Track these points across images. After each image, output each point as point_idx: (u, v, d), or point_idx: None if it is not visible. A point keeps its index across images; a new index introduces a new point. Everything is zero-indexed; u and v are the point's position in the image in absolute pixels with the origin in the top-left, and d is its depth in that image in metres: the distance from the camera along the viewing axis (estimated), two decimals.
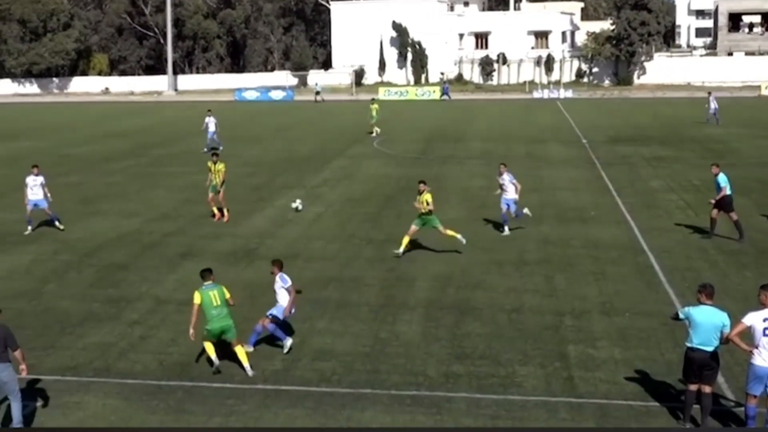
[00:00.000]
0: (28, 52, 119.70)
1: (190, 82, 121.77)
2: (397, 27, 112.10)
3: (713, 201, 24.31)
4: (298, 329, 17.12)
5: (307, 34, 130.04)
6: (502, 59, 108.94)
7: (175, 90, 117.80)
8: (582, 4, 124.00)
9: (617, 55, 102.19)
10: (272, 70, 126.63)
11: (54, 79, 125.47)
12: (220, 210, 27.81)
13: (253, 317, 17.94)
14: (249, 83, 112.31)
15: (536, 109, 74.26)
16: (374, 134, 53.14)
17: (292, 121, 67.75)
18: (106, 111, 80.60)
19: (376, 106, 54.86)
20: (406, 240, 22.85)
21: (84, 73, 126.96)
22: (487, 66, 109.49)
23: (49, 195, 26.70)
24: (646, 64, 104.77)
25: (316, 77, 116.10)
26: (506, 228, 25.16)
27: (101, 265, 22.48)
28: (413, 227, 22.90)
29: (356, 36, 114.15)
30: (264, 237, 25.46)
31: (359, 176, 37.23)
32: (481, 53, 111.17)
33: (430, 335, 16.81)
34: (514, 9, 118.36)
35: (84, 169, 41.38)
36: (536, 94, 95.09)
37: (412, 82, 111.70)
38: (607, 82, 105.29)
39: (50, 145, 52.13)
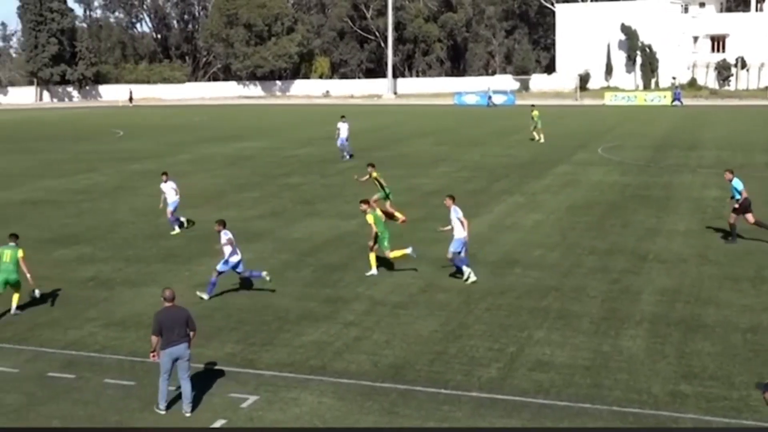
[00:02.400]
0: (253, 56, 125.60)
1: (409, 85, 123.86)
2: (626, 30, 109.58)
3: (736, 206, 24.90)
4: (516, 338, 17.02)
5: (530, 37, 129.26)
6: (741, 63, 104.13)
7: (395, 93, 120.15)
8: None
9: None
10: (493, 73, 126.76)
11: (277, 81, 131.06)
12: (391, 215, 27.60)
13: (468, 323, 17.98)
14: (469, 87, 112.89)
15: None
16: (537, 140, 53.15)
17: (513, 125, 67.56)
18: (327, 113, 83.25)
19: (536, 112, 54.70)
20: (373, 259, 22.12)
21: (306, 76, 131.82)
22: (724, 70, 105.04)
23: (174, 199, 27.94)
24: None
25: (538, 82, 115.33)
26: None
27: (319, 265, 23.20)
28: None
29: (582, 39, 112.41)
30: (482, 243, 25.45)
31: (583, 183, 36.59)
32: (717, 57, 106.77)
33: (656, 352, 16.25)
34: (757, 10, 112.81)
35: (304, 170, 42.90)
36: None
37: (641, 87, 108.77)
38: None
39: (272, 146, 54.43)
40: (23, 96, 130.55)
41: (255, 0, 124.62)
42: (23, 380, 15.42)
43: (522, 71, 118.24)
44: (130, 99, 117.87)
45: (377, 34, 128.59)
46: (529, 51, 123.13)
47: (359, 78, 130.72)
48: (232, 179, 40.03)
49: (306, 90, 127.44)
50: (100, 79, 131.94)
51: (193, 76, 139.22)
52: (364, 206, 22.31)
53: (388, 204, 29.14)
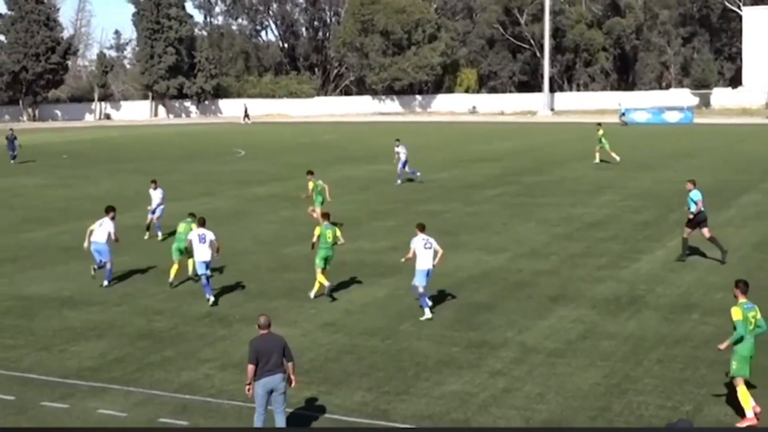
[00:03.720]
0: (391, 67, 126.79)
1: (568, 100, 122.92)
2: None
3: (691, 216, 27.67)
4: (693, 395, 16.57)
5: (712, 45, 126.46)
6: None
7: (552, 110, 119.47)
8: None
9: None
10: (668, 87, 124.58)
11: (417, 96, 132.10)
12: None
13: (636, 376, 17.62)
14: (639, 103, 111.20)
15: None
16: (597, 160, 55.26)
17: (690, 146, 66.20)
18: (473, 132, 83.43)
19: (602, 131, 55.69)
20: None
21: (450, 90, 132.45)
22: None
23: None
24: None
25: (721, 97, 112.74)
26: None
27: (462, 304, 23.18)
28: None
29: None
30: (653, 282, 24.97)
31: None
32: None
33: None
34: None
35: (446, 196, 43.00)
36: None
37: None
38: None
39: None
40: (137, 111, 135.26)
41: (393, 4, 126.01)
42: (132, 426, 15.87)
43: (702, 84, 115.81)
44: (246, 116, 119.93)
45: (532, 42, 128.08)
46: (711, 61, 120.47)
47: (510, 92, 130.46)
48: (365, 205, 40.50)
49: (450, 106, 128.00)
50: (220, 92, 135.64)
51: (323, 90, 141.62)
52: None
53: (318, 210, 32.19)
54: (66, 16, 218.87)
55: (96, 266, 25.74)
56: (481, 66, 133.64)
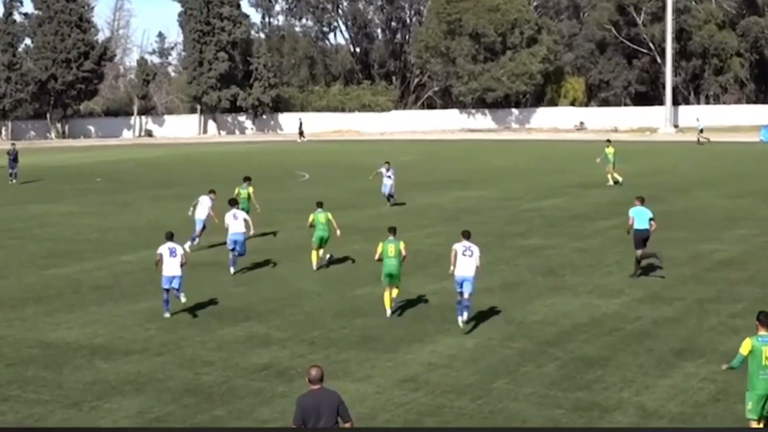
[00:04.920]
0: (482, 75, 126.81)
1: (695, 115, 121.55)
2: None
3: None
4: None
5: None
6: None
7: (675, 126, 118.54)
8: None
9: None
10: None
11: (513, 110, 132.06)
12: None
13: None
14: None
15: None
16: (611, 182, 58.36)
17: None
18: (580, 153, 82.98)
19: (611, 149, 59.40)
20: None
21: (552, 103, 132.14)
22: None
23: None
24: None
25: None
26: None
27: (568, 358, 22.98)
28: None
29: None
30: None
31: None
32: None
33: None
34: None
35: (548, 229, 42.77)
36: None
37: None
38: None
39: (505, 196, 54.64)
40: (184, 126, 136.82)
41: (485, 1, 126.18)
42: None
43: None
44: (300, 133, 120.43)
45: (651, 45, 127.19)
46: None
47: (625, 105, 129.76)
48: (451, 239, 40.21)
49: (552, 121, 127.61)
50: (280, 105, 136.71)
51: (401, 103, 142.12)
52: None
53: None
54: (101, 15, 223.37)
55: (167, 311, 27.54)
56: (590, 74, 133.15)
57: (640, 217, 32.05)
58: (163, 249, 27.58)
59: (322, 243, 33.88)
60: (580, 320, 26.60)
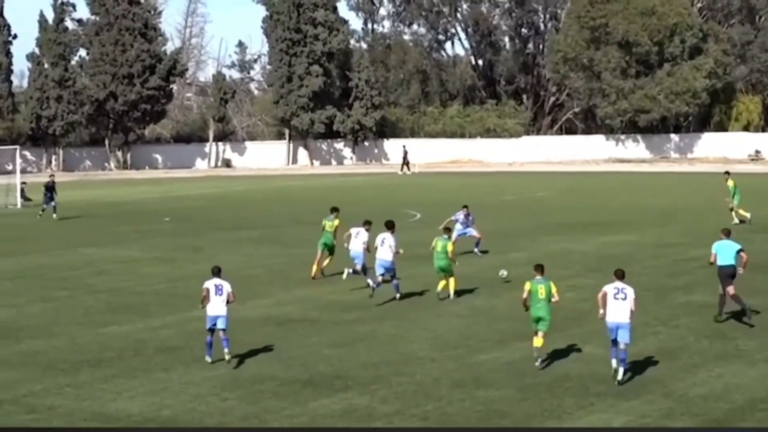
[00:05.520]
0: (633, 94, 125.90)
1: None
2: None
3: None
4: None
5: None
6: None
7: None
8: None
9: None
10: None
11: (672, 135, 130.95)
12: None
13: None
14: None
15: None
16: (736, 221, 59.31)
17: None
18: (756, 188, 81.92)
19: (732, 182, 61.44)
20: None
21: (721, 127, 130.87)
22: None
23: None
24: None
25: None
26: None
27: None
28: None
29: None
30: None
31: None
32: None
33: None
34: None
35: (714, 282, 42.08)
36: None
37: None
38: None
39: (661, 242, 54.29)
40: (269, 155, 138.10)
41: (638, 3, 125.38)
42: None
43: None
44: (405, 162, 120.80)
45: None
46: None
47: None
48: (596, 293, 39.98)
49: (720, 149, 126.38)
50: (385, 129, 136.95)
51: (534, 126, 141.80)
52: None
53: None
54: (170, 22, 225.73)
55: (209, 355, 29.57)
56: None
57: (724, 252, 34.49)
58: (209, 285, 29.53)
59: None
60: (756, 394, 26.24)
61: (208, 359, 29.40)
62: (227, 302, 29.40)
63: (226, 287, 29.46)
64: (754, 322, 33.37)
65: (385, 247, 38.26)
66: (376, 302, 38.64)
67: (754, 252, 50.08)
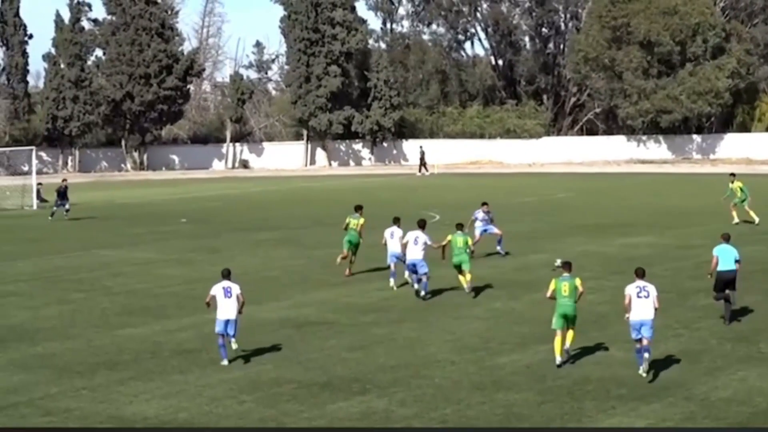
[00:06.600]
0: (655, 94, 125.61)
1: None
2: None
3: None
4: None
5: None
6: None
7: None
8: None
9: None
10: None
11: (694, 136, 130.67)
12: None
13: None
14: None
15: None
16: (736, 220, 60.20)
17: None
18: None
19: (738, 184, 61.84)
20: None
21: (744, 128, 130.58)
22: None
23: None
24: None
25: None
26: None
27: None
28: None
29: None
30: None
31: None
32: None
33: None
34: None
35: (739, 285, 42.18)
36: None
37: None
38: None
39: (684, 244, 54.04)
40: (286, 156, 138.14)
41: (660, 2, 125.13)
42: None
43: None
44: (422, 164, 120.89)
45: None
46: None
47: None
48: (618, 295, 39.88)
49: (744, 150, 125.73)
50: (404, 130, 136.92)
51: (555, 127, 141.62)
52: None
53: None
54: (187, 22, 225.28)
55: (225, 358, 29.83)
56: None
57: (725, 256, 34.75)
58: (217, 289, 29.66)
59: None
60: None
61: (225, 362, 29.43)
62: (240, 306, 29.59)
63: (235, 289, 29.56)
64: (728, 323, 34.25)
65: (418, 246, 39.02)
66: (397, 304, 38.69)
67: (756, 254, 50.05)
